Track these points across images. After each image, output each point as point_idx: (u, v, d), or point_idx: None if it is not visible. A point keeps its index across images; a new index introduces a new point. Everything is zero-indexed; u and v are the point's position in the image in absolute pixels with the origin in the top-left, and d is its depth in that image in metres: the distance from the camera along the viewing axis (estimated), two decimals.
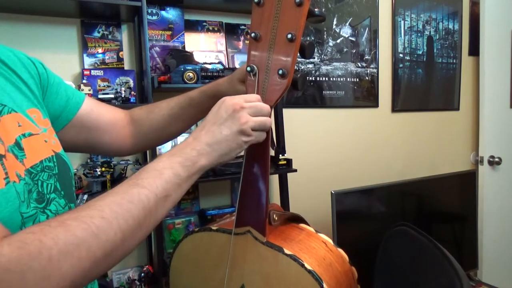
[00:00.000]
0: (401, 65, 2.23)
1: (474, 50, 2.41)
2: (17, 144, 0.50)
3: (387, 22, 2.18)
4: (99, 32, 1.55)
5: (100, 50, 1.56)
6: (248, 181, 0.66)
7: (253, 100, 0.59)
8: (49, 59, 1.45)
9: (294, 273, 0.60)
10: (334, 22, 2.01)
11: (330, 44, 2.00)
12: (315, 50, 1.97)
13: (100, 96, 1.44)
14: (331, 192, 1.49)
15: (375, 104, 2.16)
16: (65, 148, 0.62)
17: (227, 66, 1.70)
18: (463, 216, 1.86)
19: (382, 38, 2.16)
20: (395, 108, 2.22)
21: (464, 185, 1.86)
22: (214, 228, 0.71)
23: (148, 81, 1.46)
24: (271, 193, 1.91)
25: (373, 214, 1.61)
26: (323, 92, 2.00)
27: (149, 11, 1.58)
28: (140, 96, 1.58)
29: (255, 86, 0.62)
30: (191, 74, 1.46)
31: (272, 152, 0.66)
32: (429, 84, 2.33)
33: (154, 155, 1.48)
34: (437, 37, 2.35)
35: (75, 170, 1.46)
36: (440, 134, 2.40)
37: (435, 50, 2.34)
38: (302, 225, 0.72)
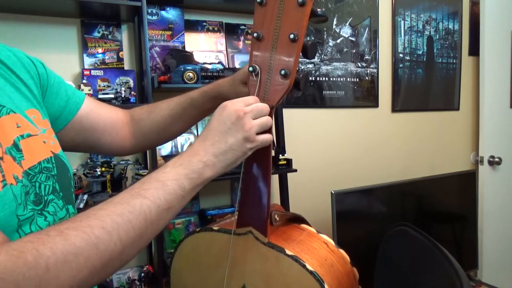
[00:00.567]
0: (401, 65, 2.23)
1: (474, 50, 2.41)
2: (15, 145, 0.50)
3: (387, 22, 2.18)
4: (99, 32, 1.55)
5: (100, 50, 1.56)
6: (249, 181, 0.66)
7: (252, 102, 0.58)
8: (49, 59, 1.45)
9: (295, 274, 0.60)
10: (334, 22, 2.01)
11: (330, 44, 2.00)
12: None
13: (100, 96, 1.44)
14: (331, 192, 1.49)
15: (375, 104, 2.16)
16: (65, 148, 0.62)
17: (227, 66, 1.70)
18: (463, 216, 1.86)
19: (382, 38, 2.16)
20: (395, 108, 2.22)
21: (464, 185, 1.86)
22: (215, 228, 0.71)
23: (148, 81, 1.46)
24: (272, 193, 1.91)
25: (373, 214, 1.61)
26: (323, 92, 2.00)
27: (149, 11, 1.58)
28: (140, 96, 1.58)
29: (257, 86, 0.62)
30: (191, 74, 1.46)
31: (272, 152, 0.66)
32: (429, 84, 2.33)
33: (154, 156, 1.48)
34: (437, 37, 2.35)
35: (75, 170, 1.46)
36: (440, 134, 2.40)
37: (435, 50, 2.34)
38: (304, 225, 0.72)
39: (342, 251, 0.68)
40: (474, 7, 2.42)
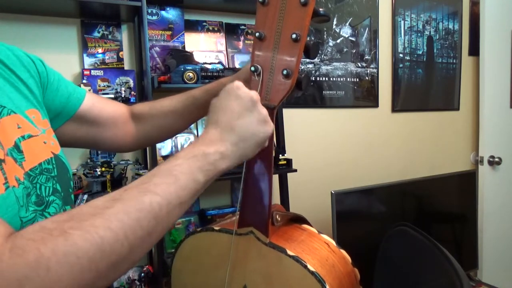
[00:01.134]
0: (401, 65, 2.23)
1: (474, 50, 2.41)
2: (16, 146, 0.49)
3: (387, 22, 2.18)
4: (99, 32, 1.55)
5: (100, 50, 1.56)
6: (251, 181, 0.65)
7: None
8: (49, 59, 1.43)
9: (296, 274, 0.60)
10: (334, 22, 2.01)
11: (330, 44, 2.00)
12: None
13: None
14: (331, 192, 1.49)
15: (375, 104, 2.16)
16: (66, 144, 0.62)
17: (227, 66, 1.70)
18: (463, 216, 1.86)
19: (382, 38, 2.16)
20: (395, 108, 2.22)
21: (464, 185, 1.86)
22: (216, 228, 0.71)
23: (148, 81, 1.46)
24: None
25: (373, 214, 1.61)
26: (323, 92, 2.00)
27: (149, 11, 1.58)
28: (140, 96, 1.58)
29: (259, 86, 0.62)
30: (191, 74, 1.46)
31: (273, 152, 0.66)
32: (429, 84, 2.33)
33: (154, 156, 1.48)
34: (437, 37, 2.35)
35: (75, 170, 1.46)
36: (440, 134, 2.40)
37: (435, 50, 2.34)
38: (305, 225, 0.72)
39: (343, 251, 0.68)
40: (474, 7, 2.42)
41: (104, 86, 1.50)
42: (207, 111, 0.78)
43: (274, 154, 1.84)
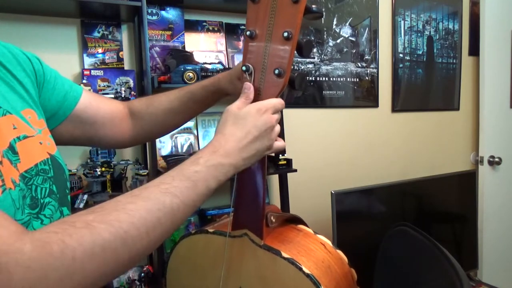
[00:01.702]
0: (401, 65, 2.22)
1: (474, 50, 2.41)
2: (11, 148, 0.49)
3: (387, 22, 2.17)
4: (99, 32, 1.55)
5: (100, 50, 1.56)
6: (244, 183, 0.65)
7: (279, 107, 0.60)
8: (49, 59, 1.43)
9: (292, 277, 0.59)
10: (334, 22, 2.01)
11: (330, 44, 2.00)
12: (316, 50, 1.97)
13: None
14: (331, 192, 1.49)
15: (375, 104, 2.16)
16: (64, 142, 0.61)
17: (227, 66, 1.70)
18: (463, 216, 1.86)
19: (382, 38, 2.16)
20: (395, 108, 2.22)
21: (464, 185, 1.86)
22: (210, 230, 0.70)
23: (148, 81, 1.46)
24: (271, 194, 1.91)
25: (373, 214, 1.61)
26: (323, 92, 2.00)
27: (149, 11, 1.58)
28: (140, 96, 1.58)
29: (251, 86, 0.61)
30: (191, 74, 1.46)
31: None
32: (429, 84, 2.33)
33: (154, 156, 1.48)
34: (437, 37, 2.35)
35: (75, 170, 1.46)
36: (440, 134, 2.40)
37: (435, 50, 2.34)
38: (301, 226, 0.71)
39: (339, 252, 0.67)
40: (474, 7, 2.42)
41: (104, 86, 1.50)
42: (204, 106, 0.78)
43: (274, 154, 1.83)
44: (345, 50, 2.05)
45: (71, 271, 0.36)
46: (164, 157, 1.58)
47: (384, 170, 2.19)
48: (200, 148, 1.46)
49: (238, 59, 1.77)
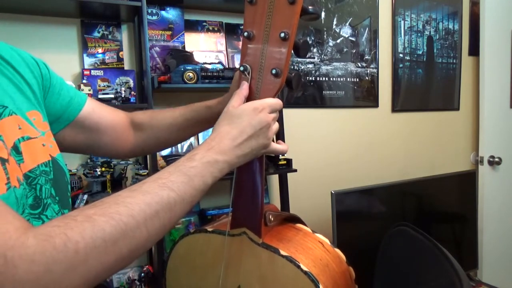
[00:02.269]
0: (401, 65, 2.22)
1: (474, 50, 2.41)
2: (15, 147, 0.50)
3: (387, 22, 2.17)
4: (99, 32, 1.55)
5: (100, 50, 1.56)
6: (242, 182, 0.65)
7: (276, 107, 0.60)
8: (49, 59, 1.43)
9: (290, 275, 0.60)
10: (334, 22, 2.01)
11: (330, 44, 2.00)
12: (316, 50, 1.97)
13: (100, 96, 1.44)
14: (331, 192, 1.49)
15: (375, 104, 2.16)
16: (64, 149, 0.62)
17: (227, 66, 1.70)
18: (463, 216, 1.86)
19: (382, 38, 2.16)
20: (395, 108, 2.22)
21: (464, 185, 1.86)
22: (209, 229, 0.70)
23: (148, 81, 1.46)
24: (272, 194, 1.91)
25: (373, 214, 1.61)
26: (323, 92, 2.00)
27: (149, 11, 1.58)
28: (140, 96, 1.58)
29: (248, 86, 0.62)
30: (191, 74, 1.46)
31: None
32: (429, 84, 2.33)
33: (154, 156, 1.48)
34: (437, 37, 2.35)
35: (75, 170, 1.46)
36: (440, 134, 2.40)
37: (435, 50, 2.34)
38: (299, 225, 0.71)
39: (337, 250, 0.67)
40: (474, 7, 2.42)
41: (104, 86, 1.50)
42: (206, 126, 0.78)
43: (274, 154, 1.83)
44: (345, 50, 2.05)
45: (74, 264, 0.37)
46: (164, 157, 1.58)
47: (384, 170, 2.19)
48: None
49: (238, 59, 1.77)
